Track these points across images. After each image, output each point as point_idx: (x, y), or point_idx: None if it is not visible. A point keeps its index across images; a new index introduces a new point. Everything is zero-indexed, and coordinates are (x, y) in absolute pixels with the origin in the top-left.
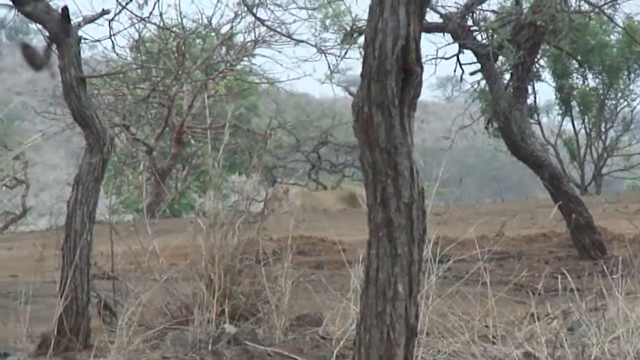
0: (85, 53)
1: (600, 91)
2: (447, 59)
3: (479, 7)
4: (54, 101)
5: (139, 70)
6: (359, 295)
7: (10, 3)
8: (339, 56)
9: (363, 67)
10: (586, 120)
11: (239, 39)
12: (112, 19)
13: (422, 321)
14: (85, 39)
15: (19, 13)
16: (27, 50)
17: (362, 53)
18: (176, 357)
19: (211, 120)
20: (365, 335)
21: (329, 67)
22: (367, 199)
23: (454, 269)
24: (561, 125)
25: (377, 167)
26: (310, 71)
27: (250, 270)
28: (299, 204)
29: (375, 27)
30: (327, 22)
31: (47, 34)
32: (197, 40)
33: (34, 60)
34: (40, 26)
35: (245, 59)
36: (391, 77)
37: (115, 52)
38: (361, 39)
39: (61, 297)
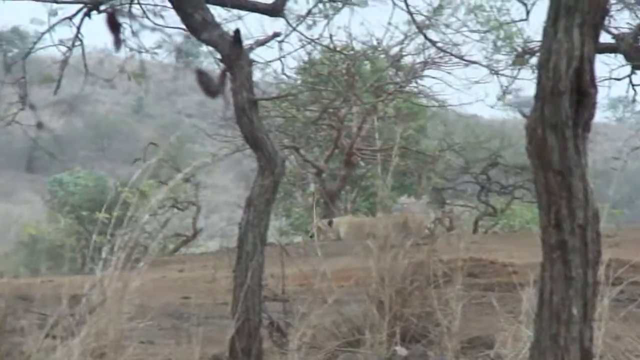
0: (256, 75)
1: None
2: (619, 79)
3: None
4: (225, 123)
5: (309, 92)
6: (531, 318)
7: (186, 30)
8: (510, 77)
9: (537, 89)
10: None
11: (408, 60)
12: (282, 41)
13: (595, 344)
14: (256, 61)
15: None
16: (203, 77)
17: (535, 74)
18: None
19: (381, 143)
20: (539, 358)
21: (501, 88)
22: (540, 221)
23: (627, 291)
24: None
25: (551, 189)
26: (480, 93)
27: (420, 292)
28: (344, 232)
29: (549, 48)
30: (499, 43)
31: (219, 56)
32: (366, 62)
33: (209, 87)
34: (212, 49)
35: (414, 80)
36: (565, 99)
37: (285, 74)
38: (533, 60)
39: (233, 318)
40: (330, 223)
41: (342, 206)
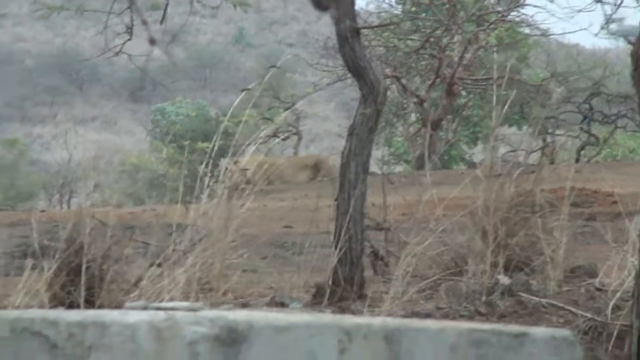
0: (358, 4)
1: None
2: None
3: None
4: (326, 53)
5: (410, 22)
6: (635, 247)
7: None
8: (615, 5)
9: None
10: None
11: None
12: None
13: None
14: None
15: None
16: None
17: None
18: (450, 307)
19: (483, 72)
20: None
21: (605, 16)
22: None
23: None
24: None
25: None
26: (584, 21)
27: (525, 221)
28: (251, 172)
29: None
30: None
31: None
32: None
33: (320, 1)
34: None
35: (517, 9)
36: None
37: (390, 3)
38: None
39: (335, 247)
40: (236, 163)
41: (444, 136)
